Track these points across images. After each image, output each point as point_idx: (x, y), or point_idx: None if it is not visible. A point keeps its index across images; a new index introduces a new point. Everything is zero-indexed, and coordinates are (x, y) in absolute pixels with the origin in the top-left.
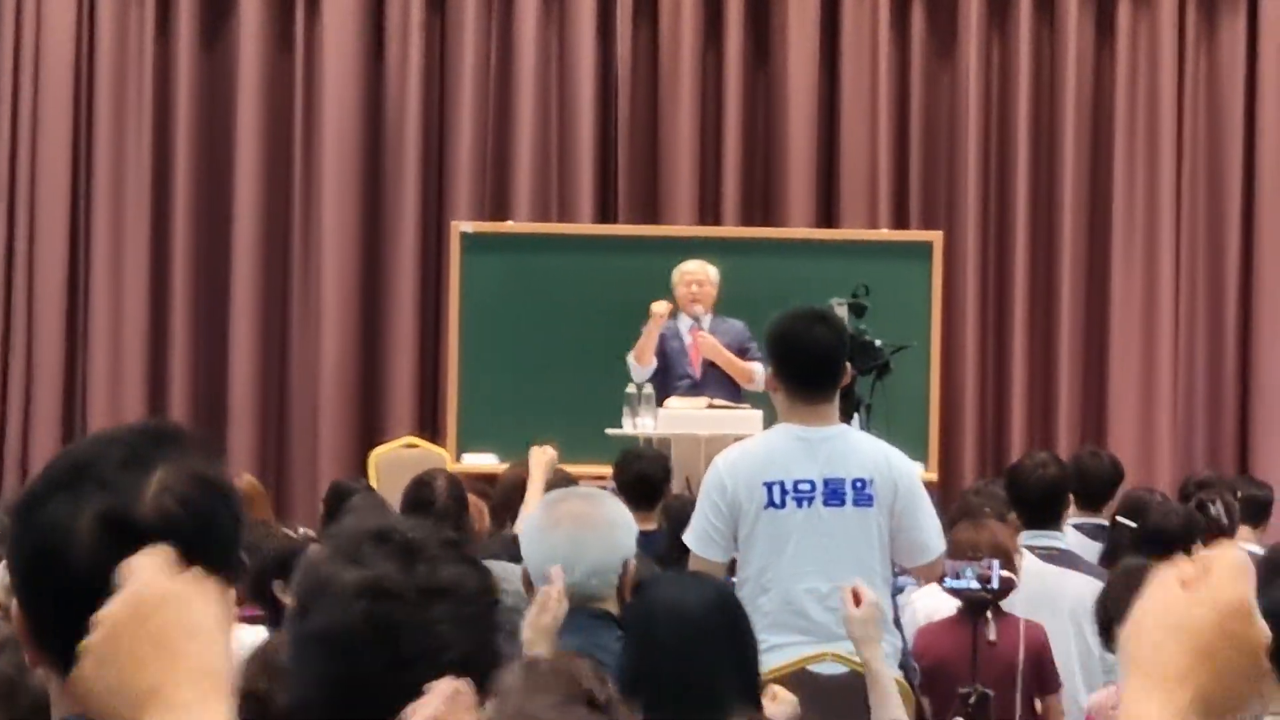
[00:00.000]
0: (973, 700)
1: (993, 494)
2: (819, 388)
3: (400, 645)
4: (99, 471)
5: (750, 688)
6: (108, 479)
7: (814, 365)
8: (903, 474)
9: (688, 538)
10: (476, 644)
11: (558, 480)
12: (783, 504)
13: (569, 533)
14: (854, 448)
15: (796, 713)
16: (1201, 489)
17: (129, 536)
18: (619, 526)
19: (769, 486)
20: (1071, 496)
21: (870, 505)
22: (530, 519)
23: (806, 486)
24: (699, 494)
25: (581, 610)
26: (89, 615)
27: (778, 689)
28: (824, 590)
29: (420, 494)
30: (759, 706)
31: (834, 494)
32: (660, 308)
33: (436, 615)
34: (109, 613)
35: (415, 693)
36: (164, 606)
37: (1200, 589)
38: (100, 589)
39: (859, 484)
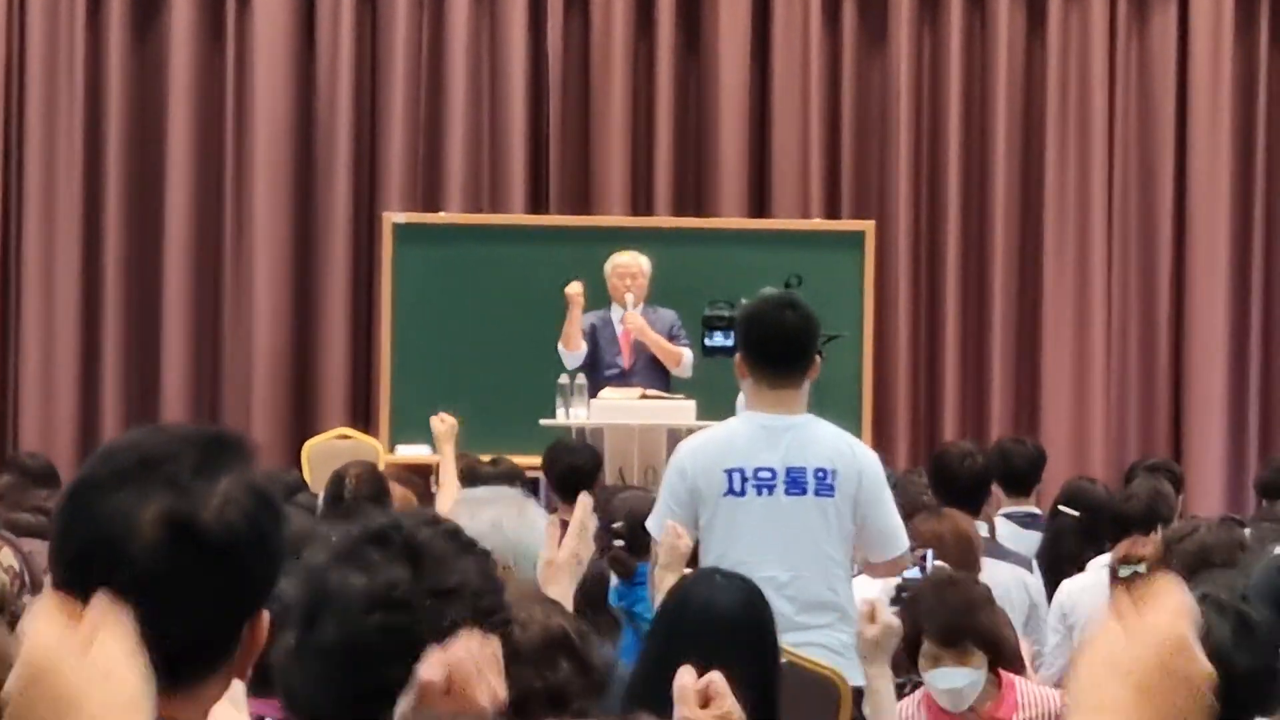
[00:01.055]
0: (908, 690)
1: (913, 483)
2: (786, 372)
3: (419, 653)
4: (171, 471)
5: (769, 698)
6: (179, 480)
7: (782, 349)
8: (867, 465)
9: (650, 523)
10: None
11: (468, 465)
12: (743, 491)
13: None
14: (817, 437)
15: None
16: (1152, 472)
17: (192, 541)
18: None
19: (729, 474)
20: (998, 484)
21: (832, 495)
22: (500, 511)
23: (767, 474)
24: (661, 480)
25: None
26: (136, 610)
27: (876, 605)
28: (783, 579)
29: (334, 489)
30: (774, 709)
31: (795, 483)
32: (574, 289)
33: (451, 617)
34: (10, 688)
35: None
36: (57, 664)
37: (1139, 626)
38: (152, 588)
39: (821, 474)
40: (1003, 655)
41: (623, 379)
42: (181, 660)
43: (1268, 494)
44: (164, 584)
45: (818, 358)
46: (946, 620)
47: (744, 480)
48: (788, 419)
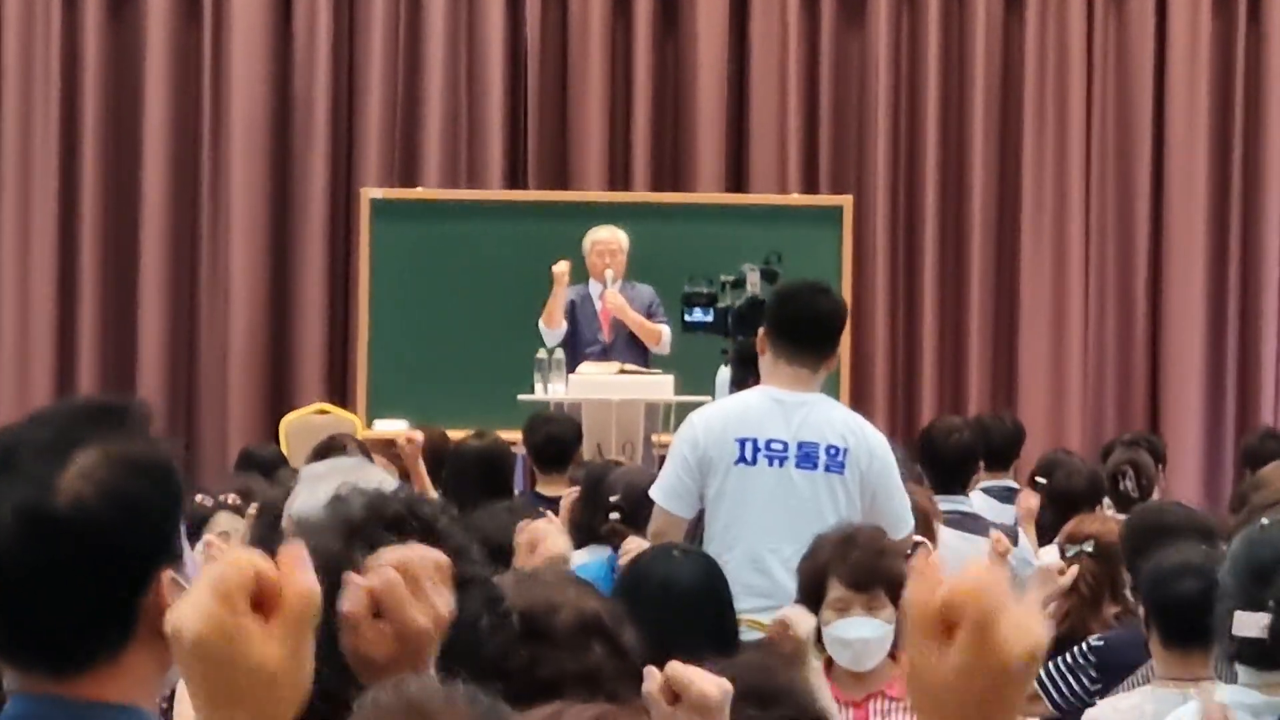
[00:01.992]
0: None
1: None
2: (810, 355)
3: (445, 645)
4: (19, 459)
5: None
6: (25, 467)
7: (811, 331)
8: (877, 446)
9: (654, 491)
10: (506, 630)
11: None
12: (754, 461)
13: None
14: (829, 416)
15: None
16: (1129, 447)
17: (44, 530)
18: None
19: (741, 443)
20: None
21: (842, 472)
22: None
23: (779, 446)
24: (670, 447)
25: None
26: (12, 613)
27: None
28: (788, 552)
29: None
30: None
31: (807, 457)
32: (560, 268)
33: (470, 610)
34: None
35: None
36: (215, 653)
37: (963, 651)
38: (19, 580)
39: (833, 450)
40: None
41: (603, 355)
42: (78, 643)
43: (1251, 462)
44: (29, 575)
45: (837, 353)
46: (858, 561)
47: (756, 450)
48: (802, 395)
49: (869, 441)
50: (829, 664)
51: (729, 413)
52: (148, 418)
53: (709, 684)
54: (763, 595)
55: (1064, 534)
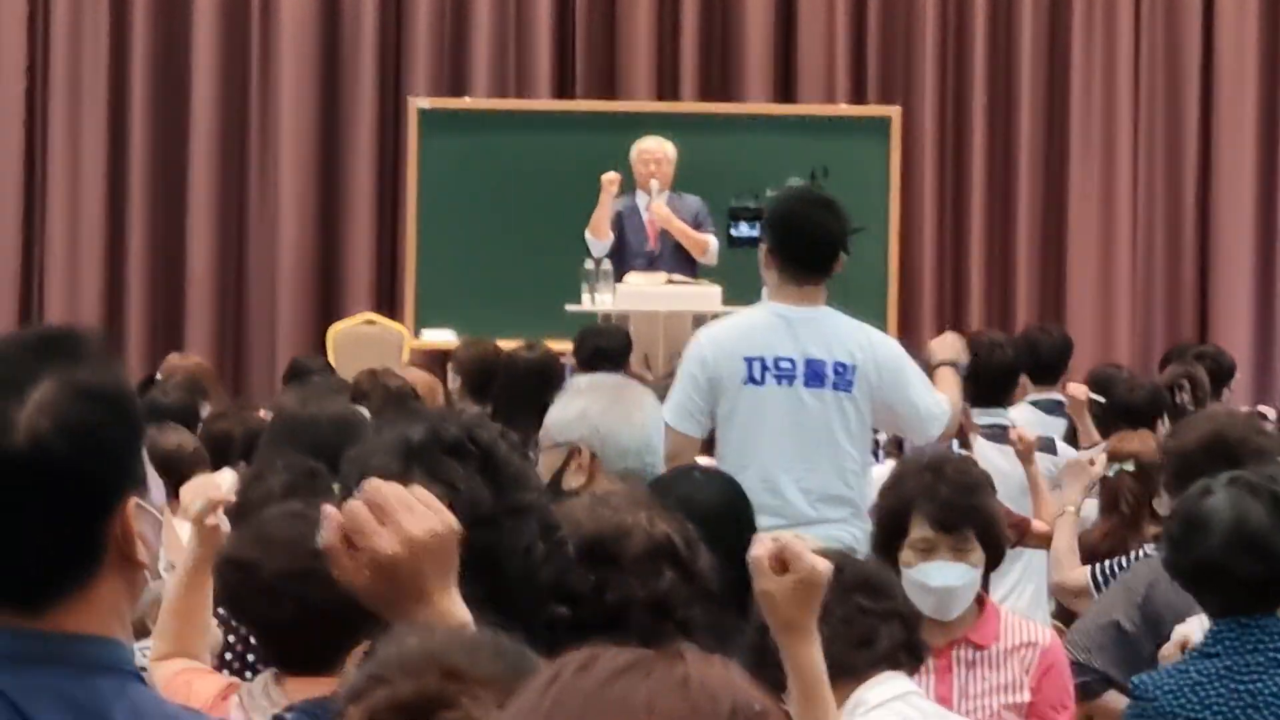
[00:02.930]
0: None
1: None
2: (813, 271)
3: (502, 572)
4: None
5: (747, 593)
6: None
7: (813, 249)
8: (884, 355)
9: (664, 411)
10: (561, 557)
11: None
12: (762, 380)
13: (652, 416)
14: (836, 330)
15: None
16: (1199, 359)
17: (4, 468)
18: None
19: (749, 361)
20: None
21: (850, 390)
22: (593, 400)
23: (787, 365)
24: (679, 367)
25: None
26: None
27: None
28: (799, 472)
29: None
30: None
31: (815, 375)
32: (610, 178)
33: (528, 537)
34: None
35: (518, 618)
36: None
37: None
38: None
39: (840, 368)
40: (997, 559)
41: (649, 265)
42: (46, 577)
43: None
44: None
45: (843, 256)
46: (946, 498)
47: (764, 369)
48: (808, 310)
49: (876, 356)
50: None
51: (736, 331)
52: (101, 345)
53: (820, 561)
54: (776, 515)
55: (1107, 450)
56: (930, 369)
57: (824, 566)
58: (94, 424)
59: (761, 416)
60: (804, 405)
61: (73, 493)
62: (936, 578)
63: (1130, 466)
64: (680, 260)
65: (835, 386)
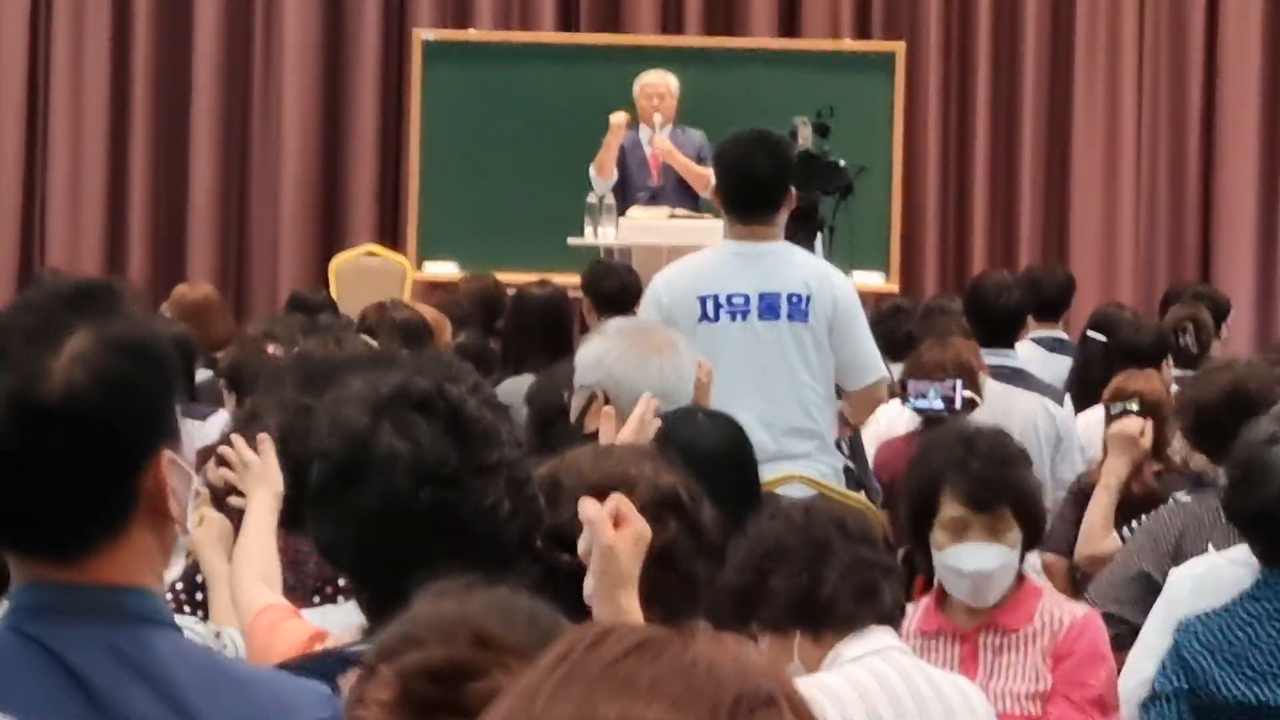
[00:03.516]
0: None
1: (943, 308)
2: (756, 210)
3: (464, 530)
4: (9, 347)
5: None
6: (12, 355)
7: (750, 191)
8: (842, 291)
9: None
10: (528, 513)
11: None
12: (716, 317)
13: (672, 361)
14: (791, 262)
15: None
16: (1190, 302)
17: (35, 416)
18: (690, 356)
19: (703, 300)
20: None
21: (805, 320)
22: (611, 344)
23: (740, 300)
24: (638, 312)
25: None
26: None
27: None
28: (759, 406)
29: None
30: None
31: (769, 308)
32: (618, 119)
33: (493, 495)
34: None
35: (477, 570)
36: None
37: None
38: (14, 468)
39: (795, 298)
40: (1036, 538)
41: (652, 199)
42: (79, 528)
43: None
44: (26, 463)
45: (792, 190)
46: (979, 474)
47: (718, 306)
48: (762, 246)
49: (834, 287)
50: (938, 590)
51: (690, 271)
52: (136, 297)
53: (641, 521)
54: None
55: (1109, 391)
56: None
57: (647, 530)
58: (128, 376)
59: (718, 353)
60: (759, 338)
61: (106, 444)
62: (970, 561)
63: (1135, 406)
64: (683, 195)
65: (790, 317)
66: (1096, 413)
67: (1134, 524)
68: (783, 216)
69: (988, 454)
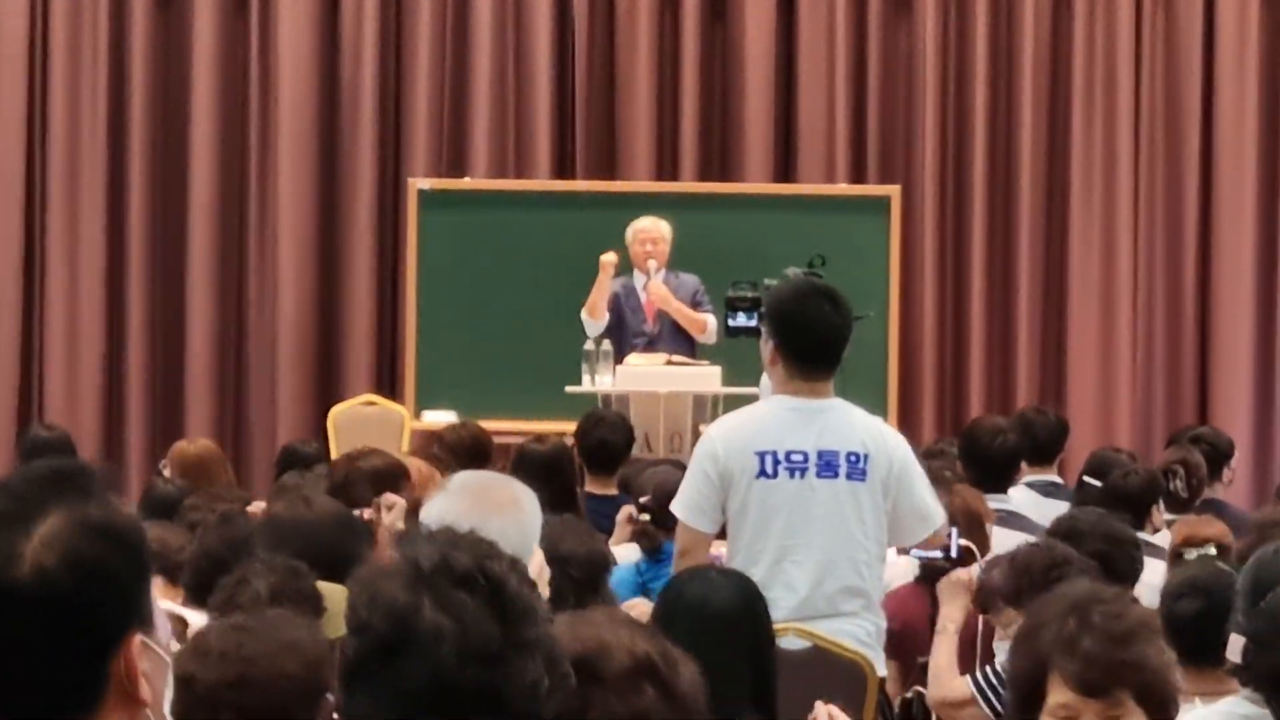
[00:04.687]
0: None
1: (941, 451)
2: (822, 365)
3: (506, 708)
4: None
5: (766, 693)
6: None
7: (820, 345)
8: (897, 449)
9: (676, 506)
10: (564, 690)
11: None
12: (774, 474)
13: (514, 519)
14: (849, 421)
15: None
16: (1195, 443)
17: (7, 601)
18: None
19: (761, 456)
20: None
21: (864, 480)
22: (453, 503)
23: (799, 457)
24: (690, 463)
25: None
26: None
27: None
28: (813, 563)
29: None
30: (773, 702)
31: (828, 466)
32: (608, 258)
33: (533, 673)
34: None
35: None
36: None
37: None
38: None
39: (853, 458)
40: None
41: (649, 345)
42: (48, 712)
43: None
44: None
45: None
46: (1090, 654)
47: (776, 463)
48: (819, 403)
49: (888, 445)
50: None
51: (748, 426)
52: (112, 482)
53: None
54: (786, 609)
55: (1180, 537)
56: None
57: None
58: (100, 559)
59: (774, 509)
60: (816, 495)
61: (76, 627)
62: None
63: (1213, 551)
64: (679, 340)
65: (849, 476)
66: None
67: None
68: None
69: (1101, 629)
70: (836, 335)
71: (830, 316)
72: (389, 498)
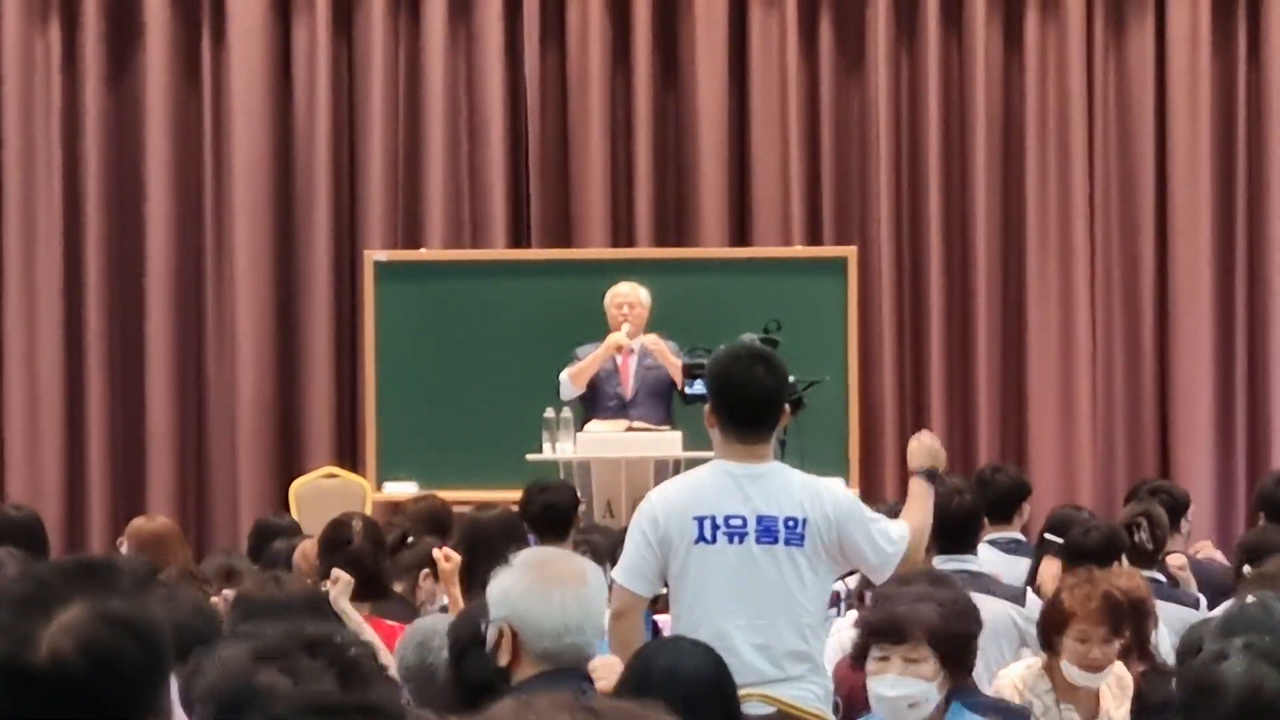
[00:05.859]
0: None
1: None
2: (756, 429)
3: None
4: (1, 612)
5: None
6: (4, 621)
7: (752, 408)
8: (835, 505)
9: (616, 571)
10: None
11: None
12: (714, 539)
13: (575, 594)
14: (787, 485)
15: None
16: (1145, 498)
17: (22, 681)
18: (600, 587)
19: (700, 521)
20: None
21: (802, 545)
22: (516, 578)
23: (738, 522)
24: (630, 526)
25: (574, 671)
26: None
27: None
28: (755, 629)
29: (337, 533)
30: None
31: (766, 531)
32: (618, 339)
33: None
34: None
35: None
36: None
37: None
38: None
39: (791, 523)
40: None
41: (623, 410)
42: None
43: (1268, 507)
44: None
45: (786, 407)
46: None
47: (715, 528)
48: (757, 467)
49: (824, 506)
50: None
51: (685, 491)
52: (143, 578)
53: None
54: (739, 675)
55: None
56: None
57: None
58: (116, 650)
59: (714, 575)
60: (756, 562)
61: (88, 714)
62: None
63: None
64: (655, 405)
65: (788, 541)
66: None
67: None
68: (772, 435)
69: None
70: (768, 398)
71: (762, 379)
72: (337, 573)
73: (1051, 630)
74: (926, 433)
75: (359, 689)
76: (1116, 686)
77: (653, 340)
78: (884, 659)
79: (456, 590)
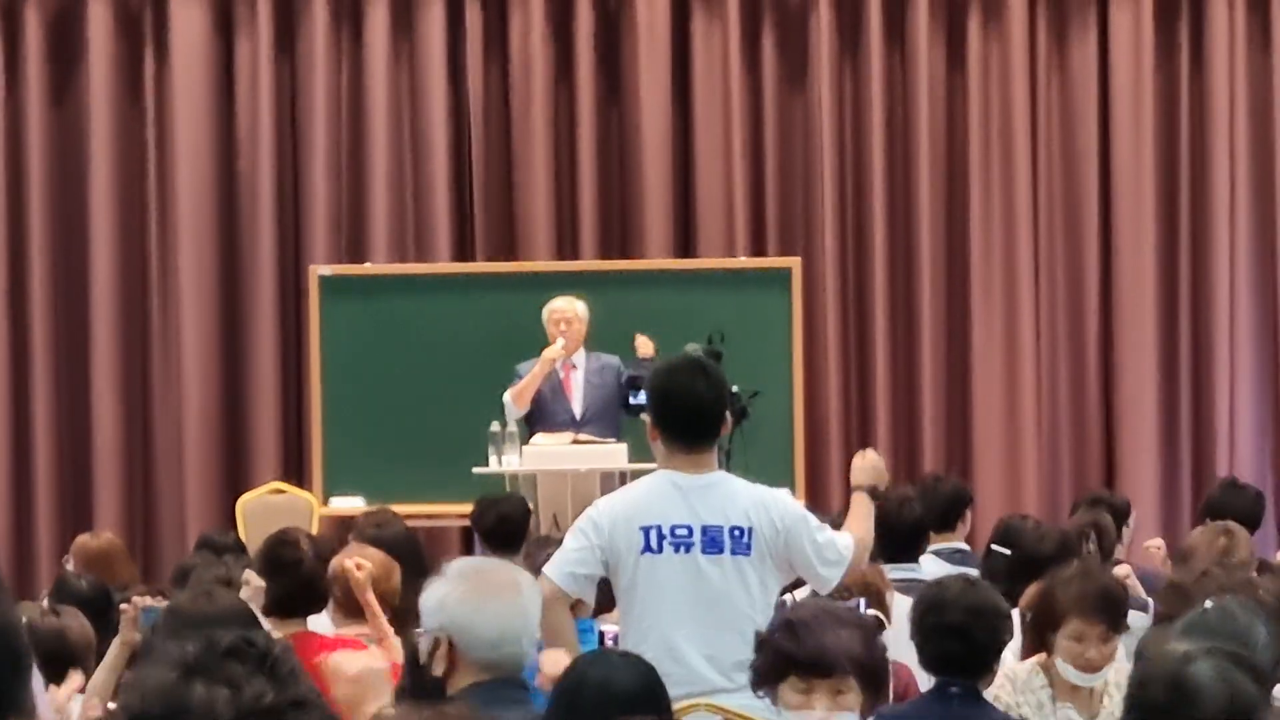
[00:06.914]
0: None
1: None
2: (697, 439)
3: None
4: None
5: None
6: None
7: (693, 418)
8: (778, 515)
9: (549, 568)
10: None
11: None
12: (659, 549)
13: (511, 602)
14: (732, 494)
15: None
16: (1093, 505)
17: None
18: (534, 595)
19: (645, 531)
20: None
21: (748, 554)
22: (451, 588)
23: (684, 532)
24: (570, 530)
25: (512, 680)
26: None
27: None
28: (702, 639)
29: (284, 553)
30: None
31: (712, 542)
32: (553, 353)
33: None
34: None
35: None
36: None
37: None
38: None
39: (737, 532)
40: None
41: (575, 428)
42: None
43: (1214, 514)
44: None
45: (727, 416)
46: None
47: (660, 538)
48: (702, 477)
49: (771, 515)
50: None
51: (632, 501)
52: None
53: None
54: (680, 684)
55: (1025, 601)
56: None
57: None
58: None
59: (661, 585)
60: (703, 573)
61: None
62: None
63: None
64: (607, 422)
65: (734, 551)
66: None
67: None
68: (715, 445)
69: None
70: (708, 408)
71: (700, 389)
72: (249, 575)
73: (1045, 628)
74: (871, 451)
75: (289, 684)
76: (1115, 688)
77: (643, 343)
78: (807, 691)
79: (372, 597)
